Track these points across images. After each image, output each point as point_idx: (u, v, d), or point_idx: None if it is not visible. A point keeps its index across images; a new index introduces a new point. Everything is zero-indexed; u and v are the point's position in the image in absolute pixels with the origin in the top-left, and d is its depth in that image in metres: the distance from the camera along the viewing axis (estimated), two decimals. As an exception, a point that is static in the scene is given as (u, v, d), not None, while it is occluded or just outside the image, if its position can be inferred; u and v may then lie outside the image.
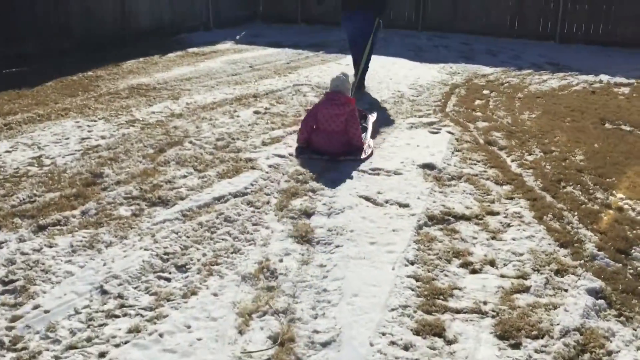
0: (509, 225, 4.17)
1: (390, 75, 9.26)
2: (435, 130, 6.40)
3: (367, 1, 7.67)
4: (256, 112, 6.89)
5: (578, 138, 6.27)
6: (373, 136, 6.07)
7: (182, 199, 4.45)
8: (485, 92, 8.40)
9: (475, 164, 5.41)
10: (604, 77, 9.47)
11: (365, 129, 6.07)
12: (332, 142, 5.41)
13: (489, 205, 4.50)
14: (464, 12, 13.51)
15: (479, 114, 7.22)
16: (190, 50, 10.69)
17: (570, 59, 11.00)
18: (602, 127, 6.90)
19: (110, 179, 4.79)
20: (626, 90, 8.82)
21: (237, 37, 12.34)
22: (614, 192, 4.82)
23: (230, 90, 7.88)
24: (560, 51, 11.88)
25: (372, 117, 6.53)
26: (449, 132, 6.35)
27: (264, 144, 5.79)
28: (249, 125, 6.39)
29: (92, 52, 9.68)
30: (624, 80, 9.34)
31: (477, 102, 7.85)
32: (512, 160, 5.54)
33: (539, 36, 12.91)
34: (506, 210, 4.42)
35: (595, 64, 10.64)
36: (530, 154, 5.74)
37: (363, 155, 5.43)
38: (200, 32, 12.48)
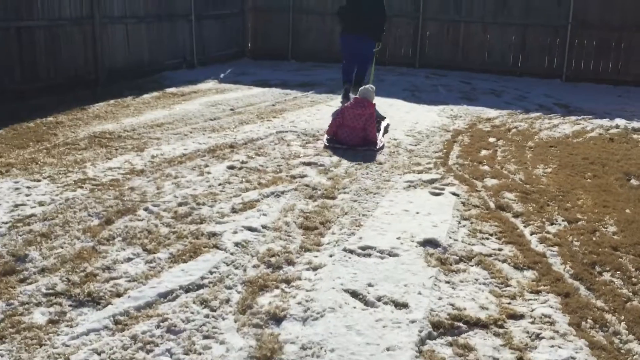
0: (538, 337, 3.20)
1: (386, 120, 8.36)
2: (438, 191, 5.47)
3: (366, 27, 8.89)
4: (230, 167, 5.97)
5: (605, 201, 5.35)
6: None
7: (118, 295, 3.49)
8: (491, 139, 7.51)
9: (487, 239, 4.47)
10: (620, 122, 8.61)
11: (378, 130, 7.35)
12: (353, 136, 6.87)
13: (509, 303, 3.54)
14: (465, 48, 12.75)
15: (486, 167, 6.31)
16: (169, 90, 9.83)
17: (580, 100, 10.17)
18: (628, 184, 5.99)
19: (33, 266, 3.82)
20: (647, 136, 7.95)
21: (222, 75, 11.51)
22: (662, 280, 3.88)
23: (204, 139, 6.97)
24: (567, 91, 11.06)
25: (384, 123, 7.85)
26: (454, 194, 5.42)
27: (233, 210, 4.85)
28: (220, 185, 5.46)
29: (59, 94, 8.80)
30: (642, 125, 8.49)
31: (484, 152, 6.95)
32: (532, 233, 4.60)
33: (544, 74, 12.14)
34: (532, 311, 3.46)
35: (608, 105, 9.80)
36: (552, 224, 4.80)
37: (377, 146, 6.84)
38: (183, 70, 11.65)
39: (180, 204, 4.95)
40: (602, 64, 11.90)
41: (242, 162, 6.14)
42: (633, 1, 11.41)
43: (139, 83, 10.18)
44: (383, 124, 7.73)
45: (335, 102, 9.48)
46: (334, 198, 5.23)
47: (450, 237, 4.43)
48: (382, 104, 9.30)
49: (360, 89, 7.52)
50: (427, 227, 4.59)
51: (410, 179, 5.79)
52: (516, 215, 4.97)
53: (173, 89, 9.91)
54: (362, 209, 4.98)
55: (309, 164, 6.21)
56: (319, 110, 8.80)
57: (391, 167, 6.22)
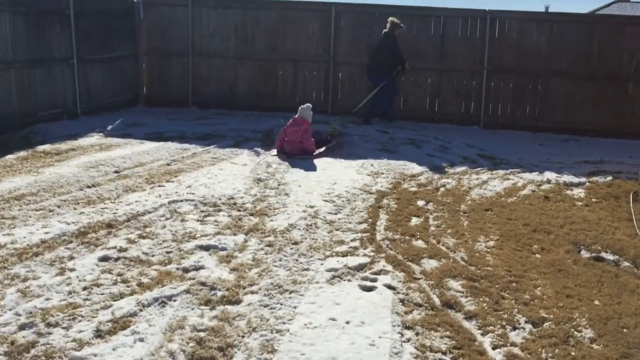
0: None
1: (299, 180, 7.28)
2: (370, 284, 4.38)
3: (379, 68, 11.04)
4: (103, 259, 4.62)
5: (566, 287, 4.46)
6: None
7: None
8: (420, 203, 6.57)
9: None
10: (551, 176, 7.99)
11: (324, 144, 9.07)
12: (294, 148, 8.51)
13: None
14: (379, 94, 11.98)
15: (420, 243, 5.32)
16: (40, 148, 8.26)
17: (503, 150, 9.57)
18: (580, 258, 5.18)
19: None
20: (581, 192, 7.33)
21: (109, 127, 10.03)
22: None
23: (74, 217, 5.55)
24: (488, 139, 10.49)
25: (331, 143, 9.24)
26: (389, 286, 4.35)
27: (98, 334, 3.52)
28: (85, 289, 4.10)
29: None
30: (573, 179, 7.89)
31: (414, 220, 5.98)
32: (494, 347, 3.58)
33: (461, 120, 11.56)
34: None
35: (533, 156, 9.24)
36: (514, 328, 3.82)
37: (315, 153, 8.64)
38: (64, 121, 10.08)
39: (22, 327, 3.55)
40: (519, 111, 11.51)
41: (120, 250, 4.80)
42: (547, 47, 11.12)
43: (5, 138, 8.55)
44: (328, 144, 9.15)
45: (240, 158, 8.30)
46: (238, 302, 4.01)
47: (394, 363, 3.32)
48: (295, 161, 8.24)
49: (300, 108, 8.91)
50: (362, 348, 3.46)
51: (334, 266, 4.67)
52: (469, 317, 3.95)
53: (46, 146, 8.35)
54: (275, 320, 3.78)
55: (207, 247, 4.96)
56: (221, 170, 7.58)
57: (309, 247, 5.09)
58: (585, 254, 5.33)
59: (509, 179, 7.82)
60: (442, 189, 7.24)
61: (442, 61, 11.66)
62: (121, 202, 6.09)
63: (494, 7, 11.87)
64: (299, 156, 8.38)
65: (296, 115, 8.80)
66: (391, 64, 11.01)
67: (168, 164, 7.81)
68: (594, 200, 7.03)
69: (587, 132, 10.94)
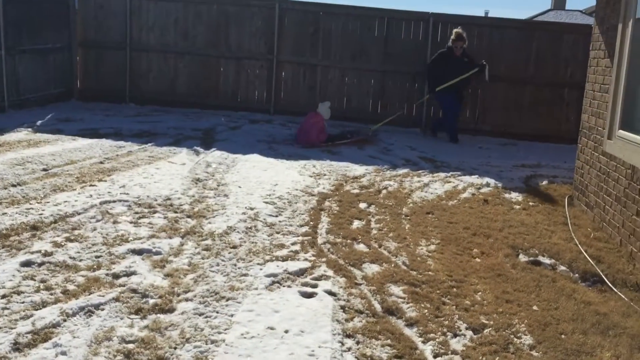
0: None
1: (240, 181, 7.09)
2: (310, 290, 4.25)
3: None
4: (26, 265, 4.30)
5: (505, 292, 4.46)
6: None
7: None
8: (362, 205, 6.50)
9: (381, 370, 3.31)
10: (490, 180, 8.08)
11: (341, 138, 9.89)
12: (299, 135, 9.66)
13: None
14: (322, 94, 11.91)
15: (362, 247, 5.23)
16: (-38, 143, 7.76)
17: (444, 153, 9.65)
18: (519, 262, 5.22)
19: None
20: (518, 196, 7.44)
21: (39, 122, 9.53)
22: None
23: (-4, 218, 5.19)
24: (430, 142, 10.58)
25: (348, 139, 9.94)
26: (330, 293, 4.23)
27: (16, 347, 3.24)
28: (3, 297, 3.80)
29: None
30: (511, 183, 8.02)
31: (356, 223, 5.90)
32: (435, 355, 3.51)
33: (404, 123, 11.61)
34: None
35: (473, 159, 9.36)
36: (455, 335, 3.77)
37: (313, 145, 9.41)
38: (-11, 114, 9.52)
39: None
40: (460, 114, 11.65)
41: (45, 255, 4.49)
42: (487, 52, 11.31)
43: None
44: (345, 139, 9.91)
45: (179, 157, 8.03)
46: (171, 311, 3.80)
47: (334, 375, 3.19)
48: (236, 161, 8.04)
49: (319, 104, 10.17)
50: (301, 359, 3.32)
51: (273, 271, 4.51)
52: (410, 324, 3.88)
53: (-31, 141, 7.85)
54: (210, 329, 3.60)
55: (140, 252, 4.71)
56: (158, 170, 7.29)
57: (248, 251, 4.91)
58: (523, 257, 5.37)
59: (449, 182, 7.87)
60: (384, 191, 7.20)
61: (385, 62, 11.68)
62: (48, 202, 5.74)
63: (435, 10, 11.99)
64: (312, 147, 9.29)
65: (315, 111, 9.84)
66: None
67: (101, 162, 7.46)
68: (531, 204, 7.15)
69: (524, 137, 11.20)
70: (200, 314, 3.77)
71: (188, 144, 8.84)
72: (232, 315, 3.78)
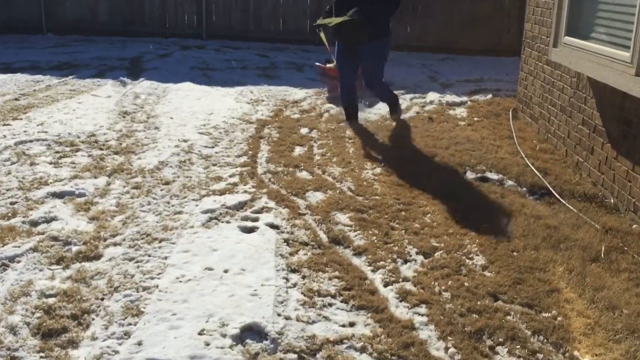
0: None
1: (171, 112, 6.61)
2: (251, 225, 3.97)
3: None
4: None
5: (455, 211, 4.30)
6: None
7: None
8: (303, 131, 6.18)
9: (330, 305, 3.09)
10: (434, 96, 7.86)
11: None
12: None
13: None
14: (257, 16, 11.26)
15: (305, 174, 4.95)
16: None
17: (388, 71, 9.28)
18: (467, 180, 5.07)
19: None
20: (463, 112, 7.25)
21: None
22: (575, 350, 2.84)
23: None
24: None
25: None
26: (272, 226, 3.96)
27: None
28: None
29: None
30: (455, 98, 7.81)
31: (298, 150, 5.59)
32: (386, 284, 3.32)
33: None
34: None
35: (415, 77, 9.07)
36: (405, 261, 3.59)
37: None
38: None
39: None
40: (399, 29, 11.25)
41: (-49, 205, 4.02)
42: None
43: None
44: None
45: (104, 89, 7.43)
46: (97, 258, 3.46)
47: (279, 315, 2.96)
48: (166, 91, 7.51)
49: None
50: (243, 300, 3.07)
51: (210, 207, 4.19)
52: (358, 253, 3.67)
53: None
54: (141, 275, 3.28)
55: (61, 195, 4.29)
56: (80, 104, 6.71)
57: (182, 187, 4.55)
58: (470, 175, 5.22)
59: (393, 102, 7.58)
60: (325, 114, 6.88)
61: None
62: (-45, 146, 5.17)
63: None
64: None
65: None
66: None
67: (16, 99, 6.81)
68: (476, 119, 6.98)
69: (465, 51, 10.93)
70: (130, 259, 3.44)
71: (113, 74, 8.19)
72: (165, 258, 3.47)
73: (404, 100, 7.65)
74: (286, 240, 3.77)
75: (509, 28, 10.98)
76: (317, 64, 8.33)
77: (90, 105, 6.66)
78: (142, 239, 3.69)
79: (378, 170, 5.14)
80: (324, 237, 3.85)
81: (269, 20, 11.27)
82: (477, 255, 3.68)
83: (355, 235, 3.88)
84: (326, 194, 4.54)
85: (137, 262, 3.42)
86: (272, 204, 4.31)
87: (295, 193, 4.54)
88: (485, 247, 3.78)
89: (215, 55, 9.98)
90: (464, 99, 7.82)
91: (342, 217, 4.14)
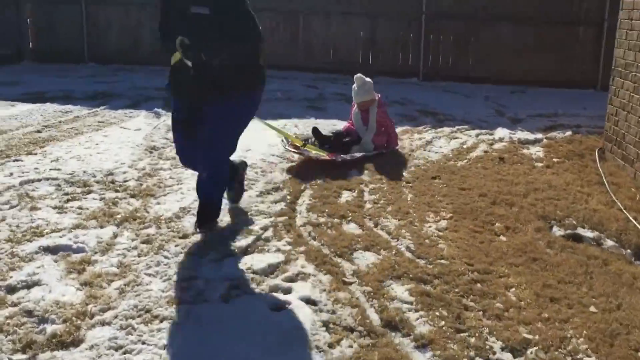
0: None
1: (204, 147, 5.85)
2: (281, 299, 3.07)
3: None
4: None
5: (547, 286, 3.30)
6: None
7: None
8: (352, 172, 5.29)
9: None
10: (503, 133, 6.86)
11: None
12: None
13: None
14: (306, 44, 10.55)
15: (353, 228, 4.04)
16: None
17: (447, 105, 8.40)
18: (557, 240, 4.05)
19: None
20: (539, 152, 6.23)
21: (-27, 88, 8.22)
22: None
23: None
24: (428, 92, 9.29)
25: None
26: (307, 301, 3.05)
27: None
28: None
29: None
30: (529, 136, 6.79)
31: (345, 195, 4.70)
32: (464, 401, 2.36)
33: (398, 72, 10.29)
34: None
35: (479, 110, 8.10)
36: (490, 364, 2.61)
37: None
38: None
39: None
40: (461, 61, 10.33)
41: None
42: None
43: None
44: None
45: (135, 121, 6.77)
46: (76, 344, 2.64)
47: None
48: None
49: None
50: None
51: (232, 271, 3.32)
52: (422, 345, 2.72)
53: None
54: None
55: (54, 250, 3.52)
56: (105, 137, 6.04)
57: (202, 243, 3.72)
58: (558, 231, 4.22)
59: (456, 138, 6.64)
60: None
61: (375, 5, 10.27)
62: (-49, 185, 4.52)
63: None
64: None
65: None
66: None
67: (38, 131, 6.20)
68: (555, 160, 5.95)
69: (533, 83, 9.88)
70: (118, 348, 2.60)
71: (148, 105, 7.56)
72: (164, 348, 2.61)
73: (469, 136, 6.68)
74: (325, 324, 2.85)
75: (583, 58, 9.88)
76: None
77: (115, 139, 5.98)
78: (139, 316, 2.84)
79: (443, 224, 4.18)
80: (375, 319, 2.92)
81: (318, 49, 10.54)
82: (589, 357, 2.67)
83: (417, 319, 2.93)
84: (379, 255, 3.62)
85: (125, 352, 2.57)
86: (310, 268, 3.41)
87: (340, 253, 3.63)
88: (598, 342, 2.76)
89: (260, 86, 9.25)
90: (539, 136, 6.79)
91: (400, 290, 3.20)
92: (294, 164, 5.45)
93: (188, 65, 3.64)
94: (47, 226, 3.85)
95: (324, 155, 5.40)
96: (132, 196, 4.48)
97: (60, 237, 3.69)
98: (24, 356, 2.52)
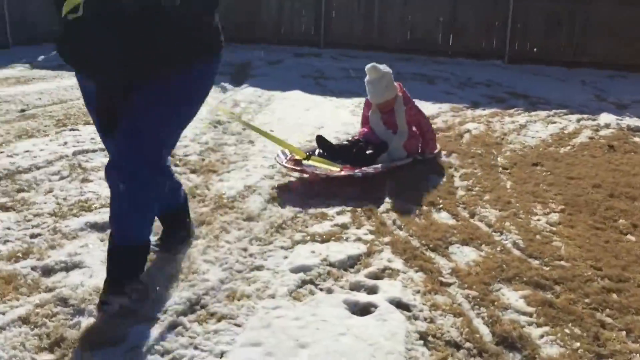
0: None
1: (273, 123, 5.34)
2: (364, 300, 2.48)
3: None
4: None
5: None
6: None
7: None
8: (442, 156, 4.63)
9: None
10: (608, 118, 6.01)
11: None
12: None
13: None
14: (381, 24, 9.88)
15: (445, 217, 3.40)
16: None
17: (539, 88, 7.56)
18: (697, 240, 3.27)
19: None
20: (654, 140, 5.37)
21: (42, 57, 7.99)
22: None
23: None
24: (516, 76, 8.44)
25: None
26: (398, 304, 2.44)
27: None
28: None
29: None
30: (639, 122, 5.92)
31: (433, 180, 4.05)
32: None
33: (481, 54, 9.47)
34: None
35: (578, 95, 7.23)
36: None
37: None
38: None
39: None
40: (552, 43, 9.38)
41: (-45, 232, 2.89)
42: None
43: None
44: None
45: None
46: (115, 344, 2.12)
47: None
48: (272, 98, 6.30)
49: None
50: None
51: (305, 262, 2.75)
52: (553, 373, 2.06)
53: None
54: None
55: (102, 227, 3.05)
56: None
57: (270, 226, 3.17)
58: (695, 230, 3.43)
59: (554, 123, 5.85)
60: (467, 135, 5.29)
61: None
62: (2, 152, 4.15)
63: None
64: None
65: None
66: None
67: (99, 102, 5.83)
68: (676, 150, 5.09)
69: (632, 68, 8.83)
70: (164, 353, 2.07)
71: (215, 80, 7.09)
72: (221, 356, 2.07)
73: (569, 121, 5.87)
74: (422, 336, 2.24)
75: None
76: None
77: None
78: (193, 312, 2.32)
79: (555, 217, 3.47)
80: (485, 332, 2.29)
81: (394, 29, 9.84)
82: None
83: (542, 336, 2.27)
84: (480, 252, 2.97)
85: (173, 358, 2.04)
86: (398, 262, 2.80)
87: (434, 247, 3.00)
88: None
89: (332, 63, 8.70)
90: (652, 123, 5.91)
91: (513, 297, 2.55)
92: (372, 144, 4.83)
93: (100, 16, 2.06)
94: (97, 200, 3.41)
95: (336, 170, 3.93)
96: (193, 172, 4.00)
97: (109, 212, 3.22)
98: (50, 356, 2.03)
